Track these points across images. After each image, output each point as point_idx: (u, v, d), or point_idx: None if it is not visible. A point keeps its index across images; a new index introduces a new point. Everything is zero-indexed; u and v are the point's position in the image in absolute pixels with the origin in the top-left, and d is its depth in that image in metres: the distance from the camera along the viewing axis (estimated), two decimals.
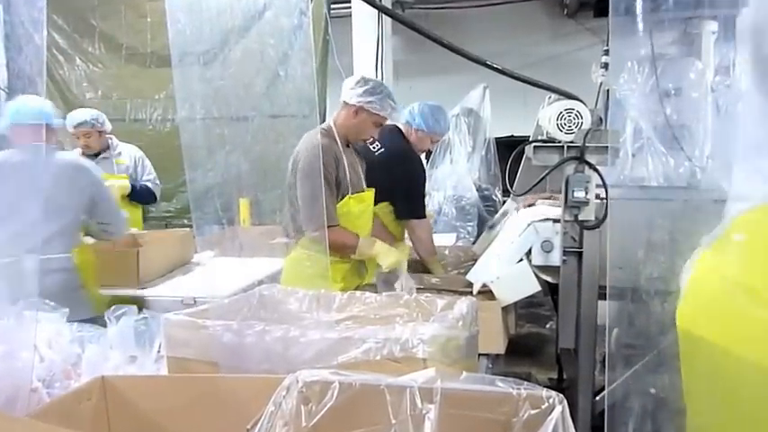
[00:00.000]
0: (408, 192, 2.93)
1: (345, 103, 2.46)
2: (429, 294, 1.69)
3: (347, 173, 2.44)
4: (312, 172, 2.29)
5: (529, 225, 2.28)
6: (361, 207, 2.49)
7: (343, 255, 2.39)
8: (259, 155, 2.76)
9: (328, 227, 2.22)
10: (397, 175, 2.85)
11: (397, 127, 3.17)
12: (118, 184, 3.48)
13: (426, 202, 3.12)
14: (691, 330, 0.93)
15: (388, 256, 2.37)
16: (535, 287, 2.27)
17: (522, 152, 2.49)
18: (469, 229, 4.55)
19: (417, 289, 2.48)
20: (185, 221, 4.76)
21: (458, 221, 4.58)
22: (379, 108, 2.40)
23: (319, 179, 2.23)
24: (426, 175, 3.20)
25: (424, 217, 2.99)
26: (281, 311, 1.73)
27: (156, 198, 3.75)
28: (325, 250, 2.11)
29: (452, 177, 4.75)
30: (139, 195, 3.65)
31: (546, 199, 2.63)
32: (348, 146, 2.56)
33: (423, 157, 3.29)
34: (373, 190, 2.61)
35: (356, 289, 2.34)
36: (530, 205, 2.63)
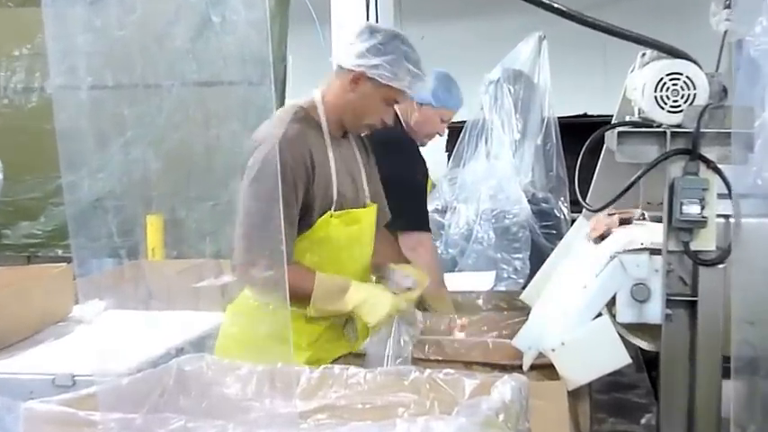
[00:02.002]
0: (403, 194, 2.99)
1: (340, 68, 2.50)
2: (451, 370, 1.70)
3: (333, 178, 2.46)
4: (263, 178, 2.32)
5: (612, 259, 2.29)
6: (351, 231, 2.52)
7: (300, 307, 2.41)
8: (179, 146, 2.76)
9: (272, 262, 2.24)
10: (386, 171, 2.91)
11: None
12: None
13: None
14: None
15: (375, 306, 2.39)
16: (622, 358, 2.27)
17: (601, 142, 2.51)
18: (517, 264, 4.58)
19: (435, 361, 2.49)
20: (59, 252, 4.74)
21: (498, 252, 4.61)
22: (391, 76, 2.43)
23: (275, 190, 2.26)
24: (428, 171, 3.29)
25: (428, 230, 3.04)
26: (212, 397, 1.74)
27: None
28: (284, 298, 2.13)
29: (490, 182, 4.79)
30: None
31: (639, 218, 2.66)
32: (344, 136, 2.59)
33: (439, 146, 3.40)
34: (375, 206, 2.65)
35: (336, 361, 2.35)
36: (615, 225, 2.65)
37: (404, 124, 3.37)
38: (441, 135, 3.51)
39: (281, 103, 5.21)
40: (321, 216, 2.44)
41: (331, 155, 2.48)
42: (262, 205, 2.30)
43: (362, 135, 2.70)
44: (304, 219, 2.44)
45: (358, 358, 2.52)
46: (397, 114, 3.27)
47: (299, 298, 2.36)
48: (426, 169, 3.35)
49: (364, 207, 2.60)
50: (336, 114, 2.51)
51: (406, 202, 3.01)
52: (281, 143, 2.34)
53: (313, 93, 2.58)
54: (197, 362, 1.83)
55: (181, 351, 2.52)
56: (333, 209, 2.45)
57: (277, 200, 2.22)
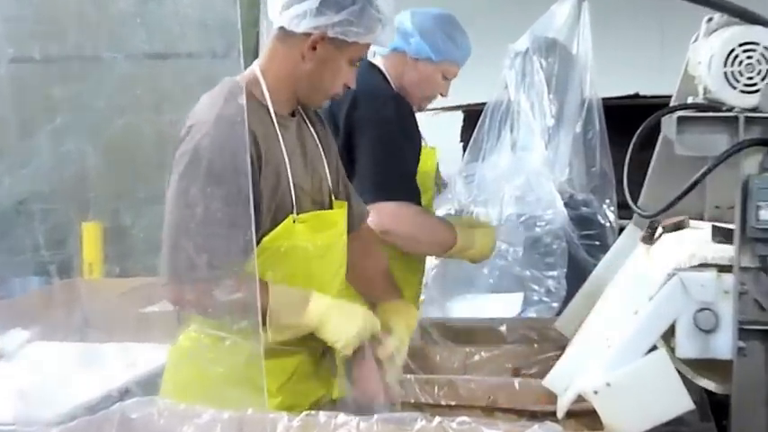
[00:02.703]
0: (376, 154, 3.06)
1: (284, 33, 2.50)
2: (467, 418, 1.71)
3: (288, 170, 2.47)
4: (196, 171, 2.32)
5: (671, 277, 2.30)
6: (323, 237, 2.53)
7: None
8: (124, 135, 2.76)
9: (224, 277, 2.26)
10: (363, 130, 3.02)
11: (371, 64, 3.27)
12: None
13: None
14: None
15: (342, 321, 2.41)
16: (683, 403, 2.27)
17: (657, 129, 2.52)
18: (551, 283, 4.59)
19: (447, 407, 2.50)
20: None
21: (528, 268, 4.63)
22: (360, 31, 2.45)
23: (213, 186, 2.27)
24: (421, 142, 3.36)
25: (402, 199, 3.06)
26: None
27: None
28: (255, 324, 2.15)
29: (516, 179, 4.81)
30: None
31: (702, 224, 2.66)
32: (292, 114, 2.60)
33: (453, 135, 3.43)
34: (344, 204, 2.66)
35: (316, 407, 2.36)
36: (671, 229, 2.66)
37: (393, 85, 3.34)
38: (443, 95, 3.50)
39: None
40: (273, 219, 2.44)
41: (281, 140, 2.47)
42: (196, 207, 2.31)
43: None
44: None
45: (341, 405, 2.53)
46: (380, 71, 3.27)
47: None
48: (419, 137, 3.33)
49: (329, 201, 2.61)
50: (286, 89, 2.52)
51: (380, 163, 3.04)
52: (218, 124, 2.34)
53: (253, 67, 2.58)
54: (146, 407, 1.84)
55: (126, 393, 2.52)
56: (295, 211, 2.45)
57: (217, 198, 2.23)
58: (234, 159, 2.33)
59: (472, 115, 5.21)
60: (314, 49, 2.47)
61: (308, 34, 2.45)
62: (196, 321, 2.48)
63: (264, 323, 2.36)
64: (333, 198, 2.65)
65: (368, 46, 2.55)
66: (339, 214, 2.61)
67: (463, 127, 5.98)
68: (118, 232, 3.21)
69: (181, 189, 2.35)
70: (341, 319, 2.41)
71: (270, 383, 2.43)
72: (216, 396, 2.17)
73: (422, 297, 3.64)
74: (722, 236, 2.37)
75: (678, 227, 2.63)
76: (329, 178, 2.65)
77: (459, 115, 6.31)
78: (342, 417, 1.78)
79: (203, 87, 2.49)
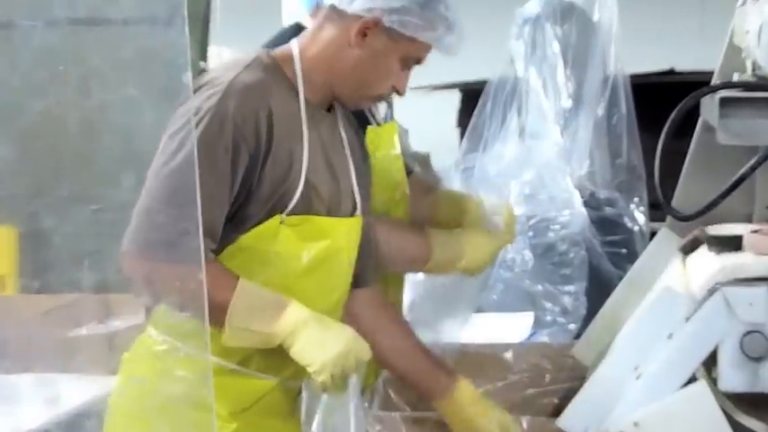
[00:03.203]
0: None
1: (334, 11, 2.54)
2: None
3: (304, 162, 2.48)
4: (194, 130, 2.36)
5: (712, 293, 2.30)
6: (317, 250, 2.54)
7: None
8: (43, 121, 2.76)
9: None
10: None
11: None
12: None
13: None
14: None
15: (321, 339, 2.41)
16: None
17: (695, 113, 2.53)
18: (567, 301, 4.61)
19: None
20: None
21: (539, 282, 4.65)
22: (421, 24, 2.47)
23: (209, 152, 2.29)
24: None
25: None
26: None
27: None
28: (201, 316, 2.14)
29: (525, 174, 4.83)
30: None
31: (755, 230, 2.67)
32: (329, 110, 2.61)
33: (447, 118, 3.39)
34: (359, 220, 2.67)
35: None
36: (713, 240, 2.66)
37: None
38: (399, 93, 3.34)
39: (203, 52, 5.22)
40: (268, 215, 2.45)
41: (306, 131, 2.50)
42: (183, 169, 2.33)
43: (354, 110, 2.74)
44: (239, 213, 2.47)
45: None
46: None
47: (213, 310, 2.35)
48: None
49: (348, 213, 2.62)
50: (322, 76, 2.54)
51: None
52: (228, 88, 2.40)
53: (291, 45, 2.61)
54: None
55: None
56: (287, 210, 2.46)
57: (211, 167, 2.25)
58: (236, 125, 2.39)
59: (471, 95, 5.23)
60: (364, 35, 2.49)
61: (359, 17, 2.48)
62: (154, 322, 2.54)
63: (221, 323, 2.37)
64: (353, 213, 2.66)
65: (428, 48, 2.54)
66: (338, 225, 2.60)
67: (461, 110, 6.00)
68: (36, 239, 3.20)
69: (173, 146, 2.39)
70: (318, 335, 2.40)
71: (224, 405, 2.44)
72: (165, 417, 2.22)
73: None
74: (720, 245, 2.38)
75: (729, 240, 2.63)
76: (356, 191, 2.66)
77: (456, 95, 6.32)
78: None
79: (140, 62, 2.48)
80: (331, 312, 2.63)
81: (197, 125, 2.38)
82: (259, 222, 2.47)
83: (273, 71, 2.53)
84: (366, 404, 2.88)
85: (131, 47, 2.51)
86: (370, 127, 3.14)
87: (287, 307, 2.42)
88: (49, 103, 2.68)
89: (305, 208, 2.49)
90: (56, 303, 3.53)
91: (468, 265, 3.11)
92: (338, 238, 2.59)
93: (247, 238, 2.48)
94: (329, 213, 2.57)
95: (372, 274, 2.79)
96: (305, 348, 2.40)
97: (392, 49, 2.51)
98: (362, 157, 2.76)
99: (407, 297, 3.60)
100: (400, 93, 2.63)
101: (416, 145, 4.61)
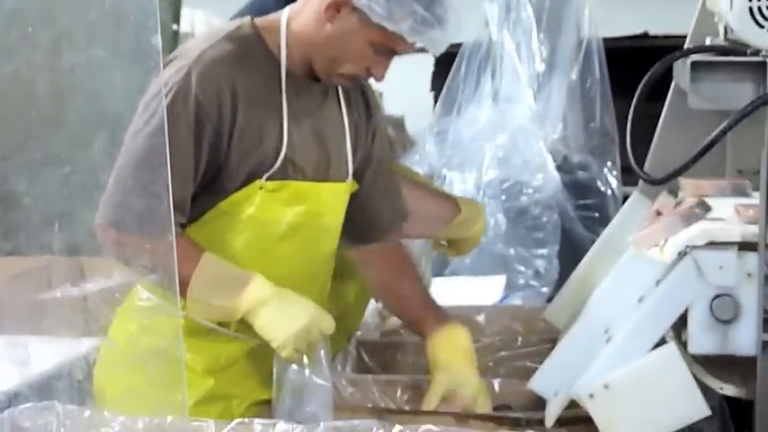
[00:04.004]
0: None
1: None
2: (434, 426, 1.71)
3: (284, 132, 2.49)
4: (166, 102, 2.36)
5: (682, 256, 2.31)
6: (292, 214, 2.54)
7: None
8: (12, 83, 2.74)
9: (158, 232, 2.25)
10: None
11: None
12: None
13: None
14: None
15: (283, 314, 2.42)
16: (697, 409, 2.28)
17: (667, 77, 2.53)
18: (540, 264, 4.62)
19: (411, 413, 2.51)
20: None
21: (511, 246, 4.67)
22: (383, 13, 2.43)
23: (179, 126, 2.28)
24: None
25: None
26: None
27: None
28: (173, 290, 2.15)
29: (499, 138, 4.83)
30: None
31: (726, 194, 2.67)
32: (317, 79, 2.60)
33: (421, 83, 3.37)
34: (349, 185, 2.67)
35: (256, 408, 2.39)
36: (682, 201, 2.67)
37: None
38: (376, 78, 3.20)
39: (176, 14, 5.19)
40: (246, 182, 2.46)
41: (285, 100, 2.49)
42: (155, 140, 2.32)
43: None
44: (214, 184, 2.49)
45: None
46: None
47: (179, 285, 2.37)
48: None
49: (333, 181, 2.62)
50: (302, 50, 2.53)
51: None
52: (194, 64, 2.40)
53: (281, 12, 2.60)
54: (42, 414, 1.84)
55: (15, 398, 2.50)
56: (266, 176, 2.46)
57: (175, 142, 2.25)
58: (198, 103, 2.40)
59: (445, 59, 5.20)
60: (334, 11, 2.48)
61: None
62: (135, 297, 2.55)
63: (184, 294, 2.38)
64: (344, 179, 2.66)
65: (403, 41, 2.50)
66: (318, 189, 2.59)
67: (434, 73, 5.98)
68: (7, 201, 3.19)
69: (145, 117, 2.41)
70: (279, 311, 2.41)
71: (195, 362, 2.45)
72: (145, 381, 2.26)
73: None
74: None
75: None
76: (350, 159, 2.65)
77: (430, 59, 6.30)
78: (282, 425, 1.78)
79: (110, 24, 2.47)
80: (315, 277, 2.63)
81: (165, 97, 2.38)
82: (237, 189, 2.48)
83: (252, 42, 2.52)
84: (339, 367, 2.89)
85: (101, 9, 2.50)
86: None
87: (249, 283, 2.42)
88: (19, 66, 2.67)
89: (281, 177, 2.49)
90: (27, 266, 3.52)
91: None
92: (319, 202, 2.58)
93: (226, 203, 2.49)
94: (314, 178, 2.57)
95: (394, 225, 2.84)
96: (266, 325, 2.41)
97: (362, 32, 2.48)
98: (367, 119, 2.75)
99: None
100: (376, 78, 2.61)
101: (390, 108, 4.62)
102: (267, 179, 2.47)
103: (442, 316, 2.79)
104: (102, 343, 2.64)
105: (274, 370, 2.49)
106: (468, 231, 3.23)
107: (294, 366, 2.45)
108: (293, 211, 2.53)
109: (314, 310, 2.44)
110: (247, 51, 2.50)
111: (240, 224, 2.49)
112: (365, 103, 2.77)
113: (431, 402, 2.60)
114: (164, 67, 2.45)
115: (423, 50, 2.64)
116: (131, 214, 2.35)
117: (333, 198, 2.63)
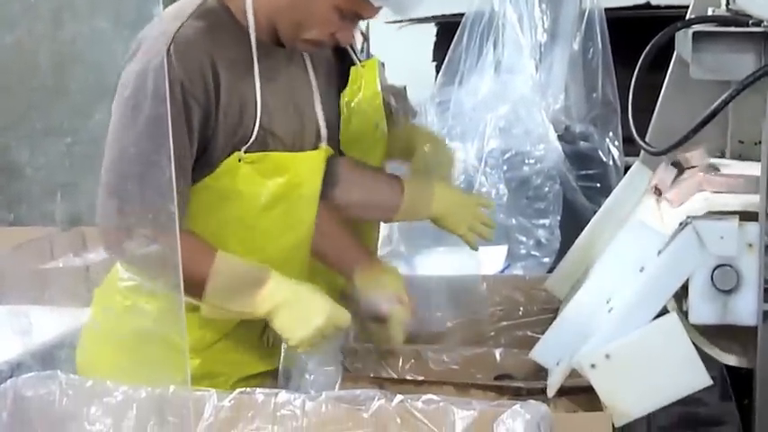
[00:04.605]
0: None
1: None
2: (435, 396, 1.72)
3: (258, 105, 2.47)
4: (142, 101, 2.33)
5: (683, 227, 2.31)
6: (276, 186, 2.53)
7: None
8: (14, 53, 2.73)
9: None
10: None
11: None
12: None
13: None
14: None
15: (301, 315, 2.42)
16: (698, 379, 2.28)
17: (669, 47, 2.52)
18: (542, 234, 4.61)
19: (413, 382, 2.52)
20: None
21: (513, 216, 4.66)
22: None
23: (161, 120, 2.24)
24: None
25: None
26: None
27: None
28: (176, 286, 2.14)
29: (501, 108, 4.81)
30: None
31: (724, 162, 2.67)
32: (283, 45, 2.58)
33: (422, 53, 3.33)
34: (325, 151, 2.67)
35: (256, 383, 2.37)
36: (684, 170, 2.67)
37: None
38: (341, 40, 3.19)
39: None
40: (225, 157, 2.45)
41: (257, 71, 2.47)
42: (141, 144, 2.32)
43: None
44: (200, 160, 2.46)
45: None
46: None
47: (189, 285, 2.35)
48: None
49: (314, 150, 2.61)
50: (267, 15, 2.51)
51: None
52: (170, 47, 2.36)
53: None
54: (45, 383, 1.84)
55: (18, 367, 2.51)
56: (245, 148, 2.45)
57: (165, 135, 2.22)
58: (183, 86, 2.36)
59: (447, 29, 5.19)
60: None
61: None
62: (115, 277, 2.50)
63: (198, 296, 2.38)
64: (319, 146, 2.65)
65: (367, 5, 2.46)
66: (297, 159, 2.58)
67: (436, 43, 5.96)
68: (9, 171, 3.18)
69: (124, 121, 2.37)
70: (297, 314, 2.41)
71: (199, 340, 2.46)
72: (137, 365, 2.21)
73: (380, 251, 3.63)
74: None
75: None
76: (323, 125, 2.64)
77: (432, 29, 6.28)
78: (283, 395, 1.79)
79: None
80: (297, 248, 2.63)
81: (147, 95, 2.34)
82: (214, 166, 2.46)
83: (219, 14, 2.49)
84: (341, 342, 2.90)
85: None
86: (353, 67, 3.12)
87: (264, 283, 2.41)
88: (21, 36, 2.67)
89: (260, 149, 2.48)
90: (29, 236, 3.53)
91: (436, 220, 3.06)
92: (299, 172, 2.57)
93: (209, 180, 2.47)
94: (291, 149, 2.56)
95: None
96: (284, 326, 2.41)
97: None
98: (334, 85, 2.75)
99: (383, 231, 3.60)
100: (341, 43, 2.59)
101: (392, 79, 4.58)
102: (246, 151, 2.46)
103: (374, 259, 2.81)
104: (84, 327, 2.63)
105: (282, 356, 2.51)
106: (419, 216, 3.15)
107: (303, 356, 2.47)
108: (274, 183, 2.52)
109: (330, 308, 2.44)
110: (217, 24, 2.46)
111: (222, 198, 2.47)
112: (332, 74, 2.77)
113: (399, 337, 2.65)
114: (132, 53, 2.42)
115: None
116: (132, 177, 2.34)
117: (311, 167, 2.62)
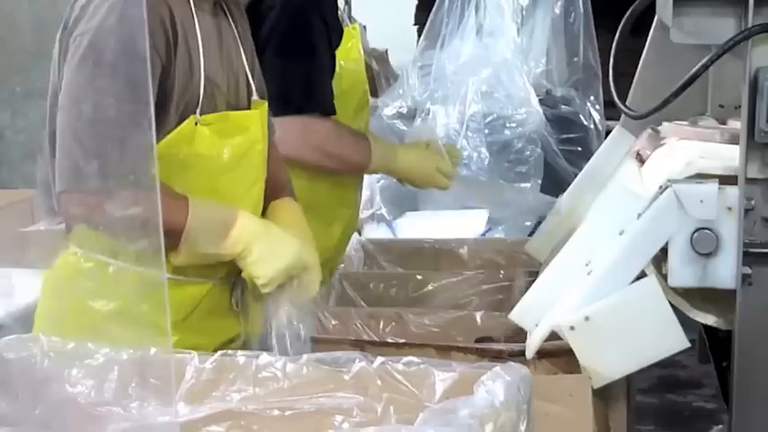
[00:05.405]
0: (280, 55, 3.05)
1: None
2: (416, 358, 1.73)
3: (201, 61, 2.44)
4: (102, 50, 2.27)
5: (663, 190, 2.31)
6: (233, 145, 2.49)
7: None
8: None
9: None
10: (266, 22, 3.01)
11: None
12: None
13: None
14: None
15: (272, 251, 2.42)
16: (676, 341, 2.29)
17: (650, 11, 2.51)
18: (522, 197, 4.60)
19: (394, 345, 2.52)
20: None
21: (494, 179, 4.63)
22: None
23: (121, 69, 2.22)
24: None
25: (317, 112, 3.07)
26: (50, 400, 1.75)
27: None
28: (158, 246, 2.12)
29: (482, 72, 4.80)
30: None
31: (704, 128, 2.67)
32: (215, 3, 2.56)
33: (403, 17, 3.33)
34: (265, 104, 2.64)
35: (228, 346, 2.38)
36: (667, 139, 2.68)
37: None
38: None
39: None
40: (181, 120, 2.42)
41: (197, 24, 2.44)
42: (100, 97, 2.28)
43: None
44: (156, 121, 2.42)
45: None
46: None
47: (166, 235, 2.32)
48: (338, 24, 3.26)
49: (248, 104, 2.59)
50: None
51: (290, 62, 3.03)
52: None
53: None
54: (26, 346, 1.84)
55: (0, 329, 2.51)
56: (198, 110, 2.43)
57: (131, 86, 2.18)
58: (148, 31, 2.31)
59: None
60: None
61: None
62: (78, 241, 2.46)
63: (175, 245, 2.36)
64: (252, 100, 2.62)
65: None
66: (253, 117, 2.56)
67: (418, 7, 5.94)
68: None
69: (80, 80, 2.31)
70: (267, 249, 2.40)
71: (178, 309, 2.44)
72: (99, 335, 2.18)
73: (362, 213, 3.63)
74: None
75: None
76: (250, 78, 2.62)
77: None
78: (264, 357, 1.79)
79: None
80: (255, 206, 2.61)
81: (103, 47, 2.28)
82: (173, 129, 2.42)
83: None
84: (321, 300, 2.90)
85: None
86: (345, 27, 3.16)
87: (234, 223, 2.40)
88: None
89: (210, 106, 2.45)
90: (10, 199, 3.52)
91: (401, 177, 3.13)
92: (254, 129, 2.56)
93: (164, 146, 2.36)
94: (228, 105, 2.53)
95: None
96: (255, 263, 2.39)
97: None
98: (248, 36, 2.70)
99: (365, 194, 3.60)
100: None
101: (374, 42, 4.59)
102: (201, 113, 2.44)
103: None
104: (37, 315, 2.58)
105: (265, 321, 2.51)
106: (391, 166, 3.24)
107: (270, 300, 2.46)
108: (232, 143, 2.49)
109: (299, 246, 2.44)
110: None
111: (182, 164, 2.40)
112: (242, 15, 2.71)
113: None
114: (83, 12, 2.33)
115: None
116: (112, 139, 2.31)
117: (262, 121, 2.60)
